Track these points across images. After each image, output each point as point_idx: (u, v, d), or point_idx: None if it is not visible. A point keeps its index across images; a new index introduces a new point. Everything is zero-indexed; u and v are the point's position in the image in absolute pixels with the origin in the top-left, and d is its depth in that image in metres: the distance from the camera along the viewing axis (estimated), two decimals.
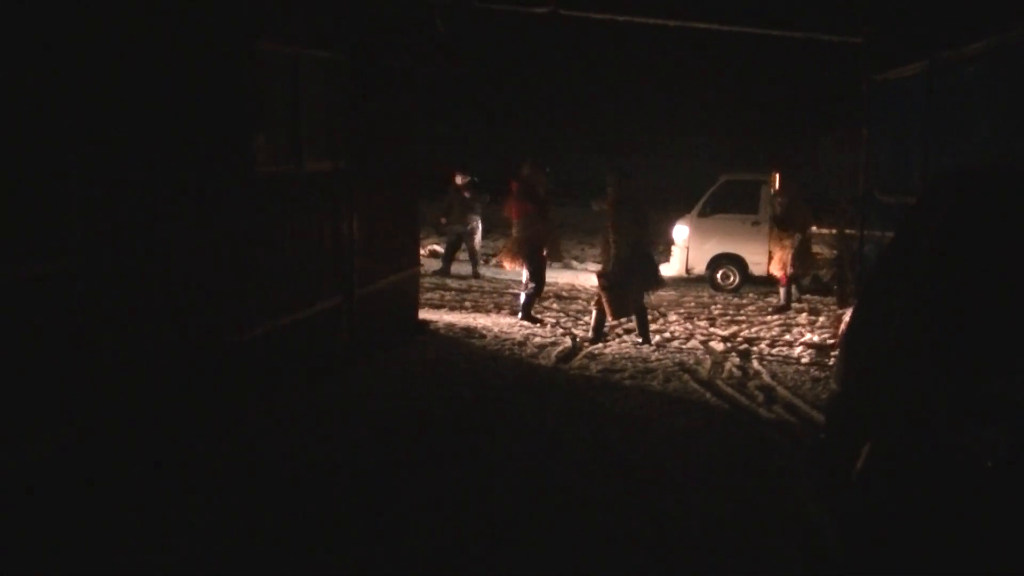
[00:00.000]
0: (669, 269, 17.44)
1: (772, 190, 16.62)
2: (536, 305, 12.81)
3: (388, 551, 5.16)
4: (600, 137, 30.20)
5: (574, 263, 19.38)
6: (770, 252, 14.80)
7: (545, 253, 12.54)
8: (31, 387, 5.25)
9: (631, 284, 10.98)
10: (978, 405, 3.05)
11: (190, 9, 6.73)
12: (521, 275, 12.75)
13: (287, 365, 8.15)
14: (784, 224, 14.15)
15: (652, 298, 14.45)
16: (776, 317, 13.47)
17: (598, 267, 12.08)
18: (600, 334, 11.21)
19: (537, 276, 12.41)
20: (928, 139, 8.96)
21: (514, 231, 12.53)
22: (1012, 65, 7.28)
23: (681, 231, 17.04)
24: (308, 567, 4.95)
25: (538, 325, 11.97)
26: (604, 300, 11.03)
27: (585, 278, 16.76)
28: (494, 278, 16.83)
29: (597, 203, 15.66)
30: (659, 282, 11.34)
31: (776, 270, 14.38)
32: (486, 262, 17.70)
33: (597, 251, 15.38)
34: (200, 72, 6.83)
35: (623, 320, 11.72)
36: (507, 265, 12.90)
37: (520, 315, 12.26)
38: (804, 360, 10.40)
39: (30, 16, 5.20)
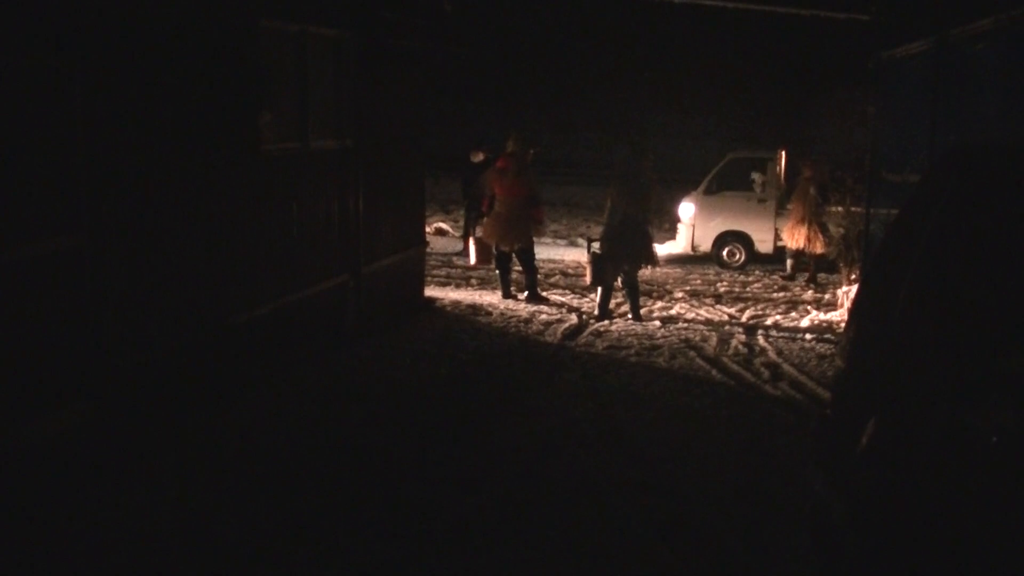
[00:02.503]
0: (675, 246, 17.45)
1: (778, 169, 16.61)
2: (541, 282, 12.81)
3: (395, 532, 5.20)
4: (607, 117, 30.17)
5: (580, 240, 19.35)
6: (801, 229, 14.84)
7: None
8: (37, 366, 5.28)
9: (618, 257, 11.02)
10: (982, 382, 3.08)
11: None
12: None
13: (295, 343, 8.18)
14: (824, 200, 14.30)
15: (658, 275, 14.51)
16: (782, 294, 13.49)
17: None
18: (606, 311, 11.22)
19: (531, 255, 12.33)
20: (936, 117, 8.93)
21: (501, 209, 12.11)
22: (1021, 42, 7.25)
23: (687, 209, 17.00)
24: (315, 545, 4.99)
25: (544, 303, 11.99)
26: (586, 265, 11.18)
27: None
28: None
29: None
30: (650, 259, 11.29)
31: (818, 247, 14.49)
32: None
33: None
34: (206, 50, 6.84)
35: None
36: (490, 245, 12.64)
37: (526, 296, 12.22)
38: (810, 337, 10.42)
39: None
